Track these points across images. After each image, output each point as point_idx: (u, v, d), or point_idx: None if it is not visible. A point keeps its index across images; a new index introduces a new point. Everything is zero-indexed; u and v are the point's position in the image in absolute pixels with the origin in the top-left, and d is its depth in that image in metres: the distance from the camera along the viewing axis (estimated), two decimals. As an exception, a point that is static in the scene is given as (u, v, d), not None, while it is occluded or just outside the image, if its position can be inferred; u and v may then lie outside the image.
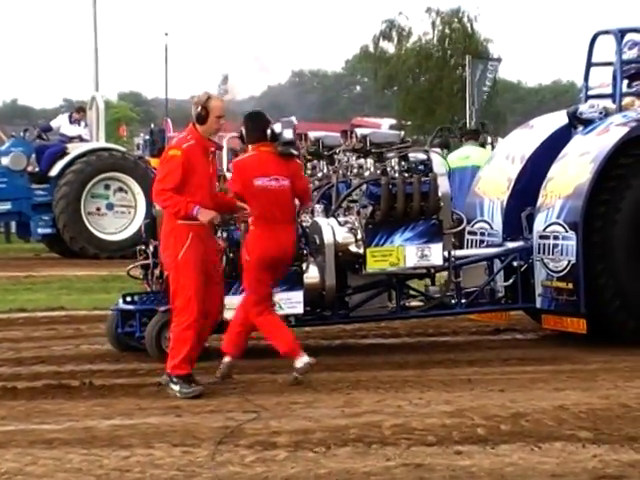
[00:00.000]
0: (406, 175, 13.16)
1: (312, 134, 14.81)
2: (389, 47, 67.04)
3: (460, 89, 54.70)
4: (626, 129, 13.53)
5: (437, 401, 10.45)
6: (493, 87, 46.36)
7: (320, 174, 14.39)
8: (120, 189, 26.79)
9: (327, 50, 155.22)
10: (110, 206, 26.76)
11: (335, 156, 14.10)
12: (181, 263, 10.84)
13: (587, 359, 12.50)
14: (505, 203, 14.27)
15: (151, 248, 13.30)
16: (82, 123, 28.07)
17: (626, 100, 14.23)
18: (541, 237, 13.49)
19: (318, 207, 13.62)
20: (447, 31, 65.60)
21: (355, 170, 13.66)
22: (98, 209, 26.64)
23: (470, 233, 14.43)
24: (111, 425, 9.64)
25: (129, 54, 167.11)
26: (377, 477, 8.04)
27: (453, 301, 13.66)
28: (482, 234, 14.41)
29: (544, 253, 13.43)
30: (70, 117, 28.31)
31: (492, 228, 14.34)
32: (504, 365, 12.37)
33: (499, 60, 56.19)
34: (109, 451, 8.76)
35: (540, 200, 13.64)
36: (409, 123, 63.87)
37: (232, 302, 12.27)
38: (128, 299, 13.30)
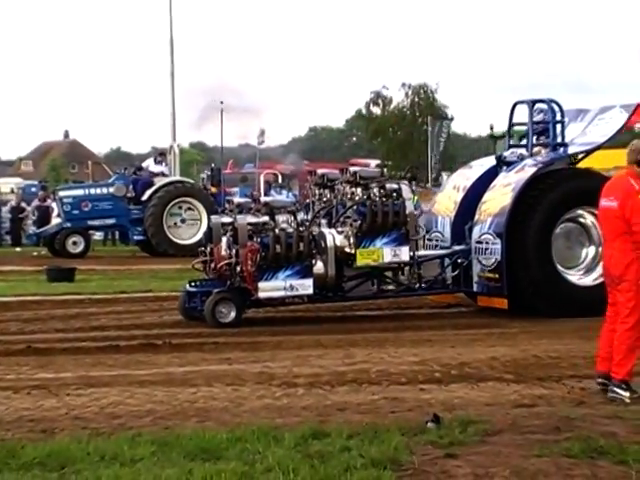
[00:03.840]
0: (384, 199, 13.23)
1: (319, 171, 14.76)
2: (376, 110, 66.98)
3: (425, 140, 54.50)
4: (535, 169, 13.58)
5: (407, 354, 10.46)
6: (447, 139, 46.15)
7: (325, 199, 14.28)
8: (189, 208, 26.81)
9: (332, 111, 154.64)
10: (183, 220, 26.81)
11: (335, 186, 14.10)
12: None
13: (510, 325, 12.49)
14: (452, 219, 14.22)
15: (208, 249, 13.33)
16: (163, 163, 28.17)
17: (535, 149, 14.26)
18: (477, 242, 13.47)
19: (323, 221, 13.64)
20: (416, 99, 65.51)
21: (349, 196, 13.66)
22: (175, 223, 26.72)
23: (429, 240, 14.40)
24: (184, 371, 9.69)
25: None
26: (365, 407, 8.06)
27: (416, 286, 13.66)
28: (437, 240, 14.36)
29: (479, 254, 13.43)
30: (155, 159, 28.41)
31: (443, 236, 14.28)
32: (454, 329, 12.34)
33: (451, 119, 56.10)
34: (182, 389, 8.80)
35: (476, 217, 13.62)
36: (390, 163, 63.69)
37: (263, 286, 12.40)
38: (192, 284, 13.27)
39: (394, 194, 13.34)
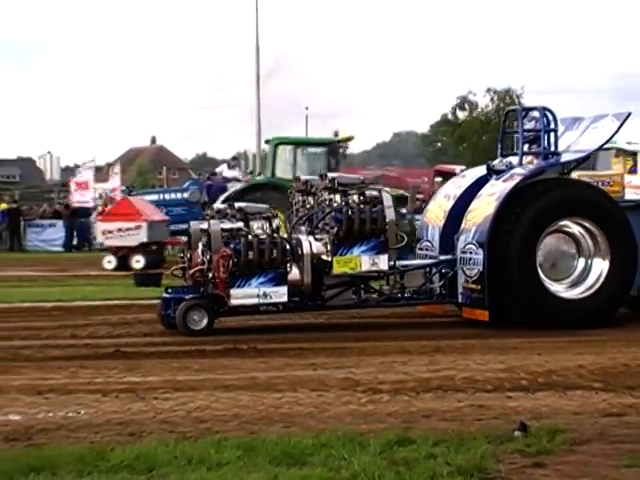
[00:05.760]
0: (362, 206, 12.94)
1: (303, 177, 14.51)
2: (462, 115, 66.86)
3: (511, 145, 54.19)
4: (521, 177, 13.30)
5: (494, 361, 10.39)
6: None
7: (308, 205, 13.89)
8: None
9: (416, 116, 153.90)
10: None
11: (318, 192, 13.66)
12: None
13: (598, 332, 12.31)
14: (441, 228, 13.96)
15: (188, 255, 13.14)
16: (237, 168, 28.31)
17: (528, 158, 13.91)
18: (462, 252, 13.22)
19: (303, 228, 13.46)
20: (502, 104, 65.23)
21: (327, 202, 13.34)
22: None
23: (419, 249, 14.23)
24: (268, 376, 9.71)
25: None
26: (451, 414, 8.02)
27: (399, 295, 13.40)
28: (426, 249, 14.11)
29: (463, 264, 13.17)
30: (228, 164, 28.61)
31: (433, 246, 14.03)
32: (540, 336, 12.18)
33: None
34: (267, 394, 8.84)
35: (462, 226, 13.39)
36: (474, 169, 63.53)
37: (235, 293, 12.30)
38: (169, 290, 13.13)
39: (374, 201, 12.99)
